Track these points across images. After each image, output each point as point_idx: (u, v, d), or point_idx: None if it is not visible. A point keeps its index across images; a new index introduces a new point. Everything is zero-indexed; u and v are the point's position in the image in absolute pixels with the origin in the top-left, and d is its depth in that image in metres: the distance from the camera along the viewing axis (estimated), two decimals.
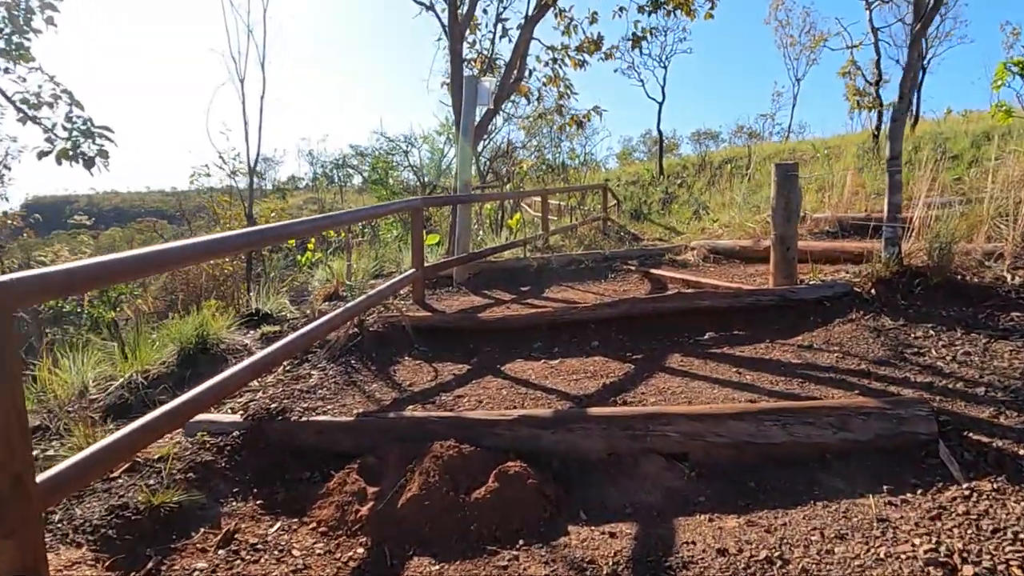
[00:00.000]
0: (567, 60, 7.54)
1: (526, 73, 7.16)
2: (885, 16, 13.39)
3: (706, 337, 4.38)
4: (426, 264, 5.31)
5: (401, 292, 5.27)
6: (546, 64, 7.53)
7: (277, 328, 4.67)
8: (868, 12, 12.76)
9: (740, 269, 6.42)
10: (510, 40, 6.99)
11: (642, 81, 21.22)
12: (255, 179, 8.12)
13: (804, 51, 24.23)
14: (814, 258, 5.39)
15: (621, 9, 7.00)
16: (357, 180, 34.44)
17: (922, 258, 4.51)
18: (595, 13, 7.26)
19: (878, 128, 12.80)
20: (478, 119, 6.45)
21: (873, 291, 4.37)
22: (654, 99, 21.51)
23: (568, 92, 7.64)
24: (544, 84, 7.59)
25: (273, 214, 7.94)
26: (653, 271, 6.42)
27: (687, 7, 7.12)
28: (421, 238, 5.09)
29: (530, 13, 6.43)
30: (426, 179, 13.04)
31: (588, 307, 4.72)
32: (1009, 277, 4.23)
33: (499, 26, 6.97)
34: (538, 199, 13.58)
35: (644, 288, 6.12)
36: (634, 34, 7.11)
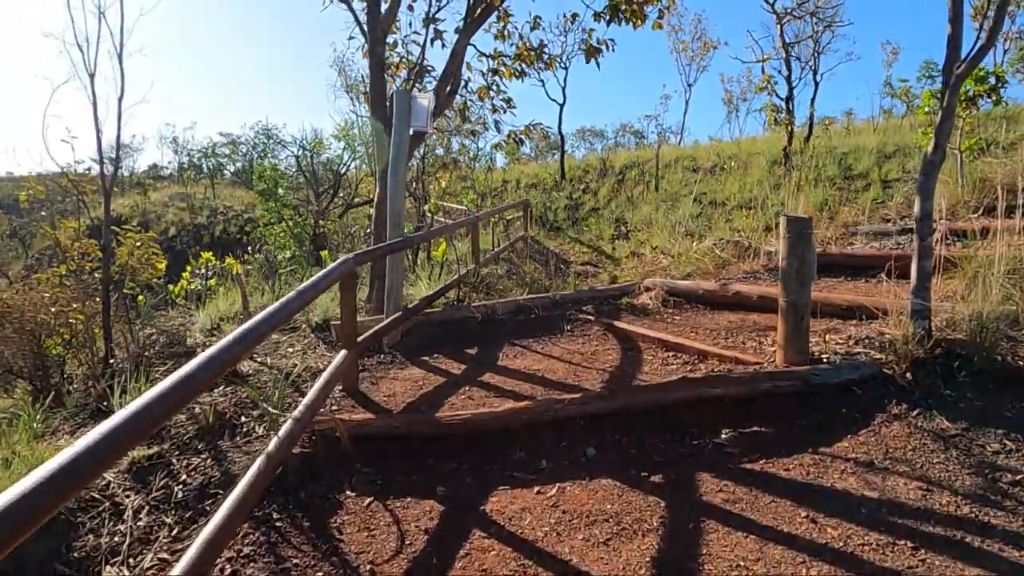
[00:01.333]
0: (502, 70, 6.50)
1: (461, 84, 6.05)
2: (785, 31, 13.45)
3: (724, 438, 3.56)
4: (359, 337, 4.10)
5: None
6: (483, 74, 6.45)
7: (157, 450, 3.31)
8: (779, 27, 12.70)
9: (709, 318, 5.71)
10: (444, 45, 5.84)
11: (542, 81, 20.35)
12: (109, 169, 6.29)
13: (695, 57, 24.57)
14: None
15: (574, 16, 6.08)
16: (229, 171, 31.35)
17: (953, 330, 3.94)
18: (537, 18, 6.28)
19: (789, 143, 12.85)
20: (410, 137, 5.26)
21: (909, 375, 3.74)
22: (555, 100, 20.79)
23: (506, 106, 6.61)
24: (479, 97, 6.49)
25: (139, 244, 6.25)
26: (616, 324, 5.56)
27: (640, 15, 6.30)
28: (354, 308, 3.87)
29: (472, 14, 5.30)
30: (320, 190, 11.49)
31: (575, 400, 3.75)
32: None
33: (430, 28, 5.77)
34: (457, 208, 12.48)
35: (610, 346, 5.25)
36: (589, 44, 6.17)
